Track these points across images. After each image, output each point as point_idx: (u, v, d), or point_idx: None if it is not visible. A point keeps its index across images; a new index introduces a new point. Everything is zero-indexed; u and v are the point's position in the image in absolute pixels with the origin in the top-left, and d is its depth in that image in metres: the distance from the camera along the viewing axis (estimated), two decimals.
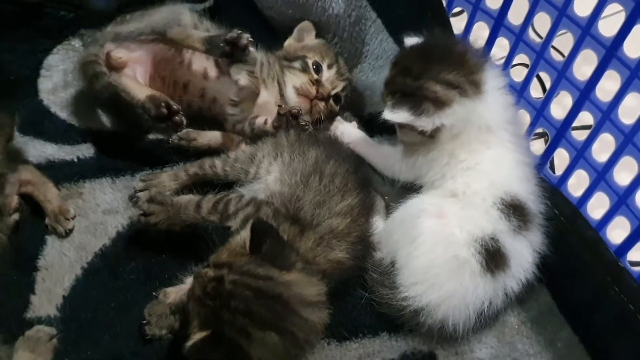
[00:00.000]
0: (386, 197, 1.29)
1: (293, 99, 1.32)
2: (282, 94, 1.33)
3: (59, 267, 1.16)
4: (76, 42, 1.50)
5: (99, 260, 1.17)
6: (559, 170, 1.27)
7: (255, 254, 0.93)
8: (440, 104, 1.06)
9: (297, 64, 1.34)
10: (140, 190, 1.22)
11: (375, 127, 1.38)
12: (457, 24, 1.44)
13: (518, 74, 1.33)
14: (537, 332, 1.16)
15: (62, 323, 1.09)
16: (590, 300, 1.14)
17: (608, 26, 1.12)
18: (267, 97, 1.31)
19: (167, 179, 1.23)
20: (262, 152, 1.20)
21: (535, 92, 1.31)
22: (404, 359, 1.12)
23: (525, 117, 1.30)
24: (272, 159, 1.18)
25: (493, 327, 1.15)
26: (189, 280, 1.09)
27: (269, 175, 1.17)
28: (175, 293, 1.09)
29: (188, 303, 0.95)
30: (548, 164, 1.30)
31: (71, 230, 1.20)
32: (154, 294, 1.09)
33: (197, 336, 0.89)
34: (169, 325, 1.08)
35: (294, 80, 1.33)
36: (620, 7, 1.08)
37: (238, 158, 1.21)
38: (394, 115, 1.08)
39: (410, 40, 1.17)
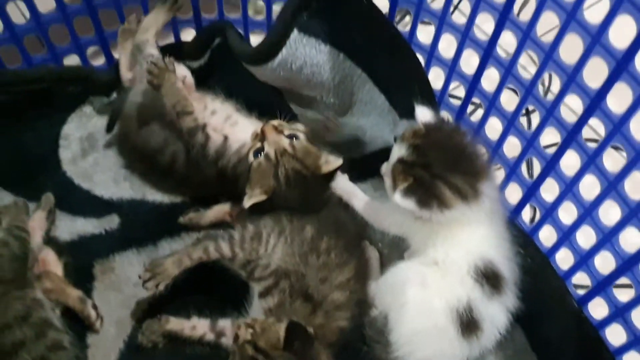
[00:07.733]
0: (380, 244, 1.43)
1: None
2: None
3: (104, 343, 1.29)
4: (87, 109, 1.60)
5: (137, 332, 1.30)
6: (534, 221, 1.41)
7: (288, 351, 1.08)
8: (443, 205, 1.14)
9: None
10: (147, 281, 1.23)
11: (363, 168, 1.47)
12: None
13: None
14: None
15: None
16: (557, 342, 1.31)
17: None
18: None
19: (171, 266, 1.23)
20: (266, 230, 1.25)
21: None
22: None
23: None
24: (276, 236, 1.25)
25: None
26: (194, 319, 1.24)
27: (274, 254, 1.24)
28: (175, 324, 1.22)
29: None
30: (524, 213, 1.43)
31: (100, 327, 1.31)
32: (157, 316, 1.25)
33: None
34: (155, 341, 1.25)
35: None
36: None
37: (244, 238, 1.24)
38: (403, 201, 1.15)
39: (422, 113, 1.20)
